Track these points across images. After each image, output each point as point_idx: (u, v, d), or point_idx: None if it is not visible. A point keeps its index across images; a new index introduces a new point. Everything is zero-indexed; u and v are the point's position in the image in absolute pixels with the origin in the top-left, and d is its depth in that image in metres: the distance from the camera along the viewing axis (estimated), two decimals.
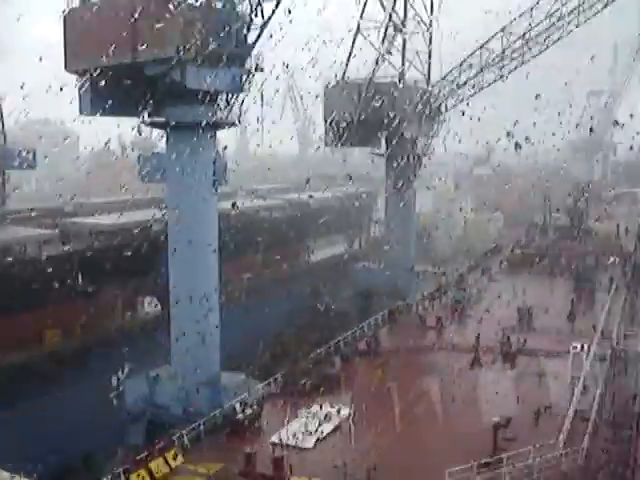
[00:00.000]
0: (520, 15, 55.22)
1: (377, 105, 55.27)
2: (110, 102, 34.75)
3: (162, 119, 37.88)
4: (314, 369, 36.10)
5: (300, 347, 44.74)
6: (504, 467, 23.10)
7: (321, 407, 30.70)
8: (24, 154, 79.96)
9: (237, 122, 39.44)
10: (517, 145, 29.17)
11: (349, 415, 28.93)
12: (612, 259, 56.35)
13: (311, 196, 77.77)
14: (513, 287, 48.01)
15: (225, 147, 40.12)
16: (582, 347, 32.34)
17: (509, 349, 38.99)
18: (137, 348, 42.17)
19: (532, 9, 54.65)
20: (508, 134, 28.53)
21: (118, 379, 41.61)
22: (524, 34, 55.57)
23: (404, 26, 60.16)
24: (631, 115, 34.45)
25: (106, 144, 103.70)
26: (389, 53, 60.03)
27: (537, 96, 29.53)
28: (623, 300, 48.49)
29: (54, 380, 43.25)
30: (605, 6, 53.68)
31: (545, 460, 23.47)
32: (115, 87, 33.76)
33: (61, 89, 27.81)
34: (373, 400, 30.31)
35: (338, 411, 29.91)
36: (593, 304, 49.77)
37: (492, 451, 24.84)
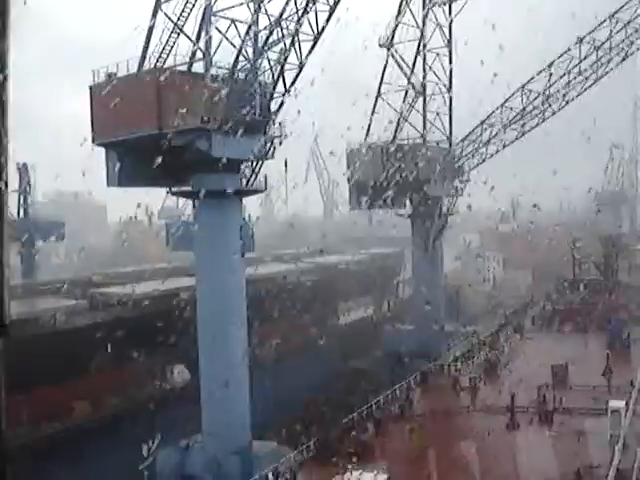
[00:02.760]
0: (539, 72, 55.89)
1: (401, 166, 55.65)
2: (137, 173, 35.36)
3: (189, 188, 38.41)
4: (347, 435, 35.50)
5: (332, 412, 44.11)
6: None
7: (356, 474, 30.06)
8: (54, 226, 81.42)
9: (263, 189, 39.88)
10: (535, 206, 29.21)
11: None
12: None
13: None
14: (546, 344, 47.22)
15: (249, 216, 40.44)
16: (620, 404, 31.61)
17: (545, 409, 38.12)
18: (167, 417, 41.84)
19: (550, 65, 55.28)
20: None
21: (149, 449, 41.14)
22: (543, 91, 56.07)
23: (424, 88, 61.00)
24: None
25: (133, 217, 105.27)
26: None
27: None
28: None
29: (83, 452, 42.93)
30: (623, 59, 54.08)
31: None
32: (142, 158, 34.38)
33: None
34: (409, 466, 29.68)
35: (375, 478, 29.23)
36: (629, 359, 48.73)
37: None
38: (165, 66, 37.54)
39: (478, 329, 61.83)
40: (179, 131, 34.95)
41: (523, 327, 59.65)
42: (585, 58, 54.13)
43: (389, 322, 72.25)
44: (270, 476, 30.75)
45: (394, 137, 60.62)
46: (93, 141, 38.82)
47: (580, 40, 53.72)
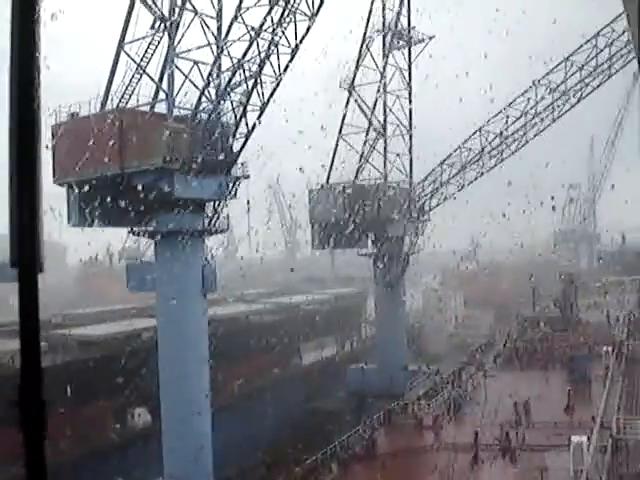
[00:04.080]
0: (496, 114, 57.13)
1: (362, 206, 56.17)
2: (99, 213, 35.22)
3: (150, 228, 38.28)
4: (311, 476, 35.20)
5: (295, 453, 43.74)
6: None
7: None
8: (8, 268, 79.84)
9: (225, 228, 39.93)
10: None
11: None
12: (605, 348, 55.97)
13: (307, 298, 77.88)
14: (508, 381, 47.52)
15: (212, 256, 40.35)
16: (582, 439, 31.89)
17: (509, 445, 38.27)
18: (128, 461, 41.10)
19: (506, 108, 56.56)
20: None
21: None
22: (501, 132, 57.28)
23: (384, 129, 61.89)
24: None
25: (93, 258, 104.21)
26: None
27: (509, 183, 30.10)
28: (620, 389, 48.00)
29: None
30: (578, 101, 55.51)
31: None
32: (103, 198, 34.27)
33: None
34: None
35: None
36: (590, 395, 49.19)
37: None
38: (128, 106, 37.69)
39: (441, 368, 61.97)
40: (141, 171, 34.97)
41: (485, 365, 59.94)
42: (541, 100, 55.50)
43: (352, 362, 72.05)
44: None
45: (355, 177, 61.22)
46: (54, 180, 38.61)
47: (535, 83, 55.13)
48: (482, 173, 60.14)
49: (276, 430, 57.82)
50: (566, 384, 50.19)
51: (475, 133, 58.06)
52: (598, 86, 54.40)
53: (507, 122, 57.12)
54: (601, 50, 52.35)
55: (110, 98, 38.27)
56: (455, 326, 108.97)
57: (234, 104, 36.64)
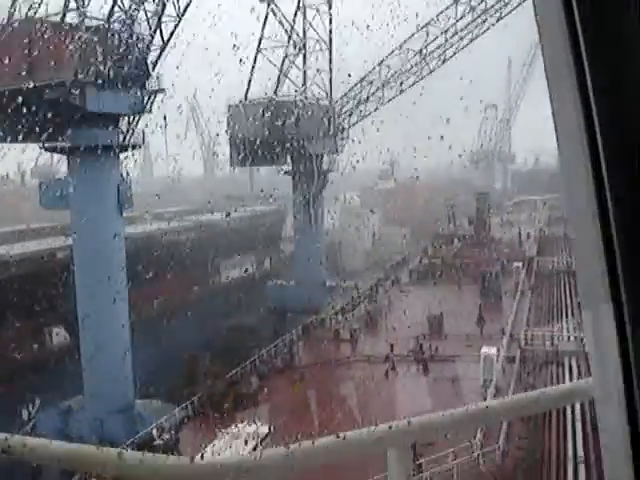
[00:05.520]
0: (416, 32, 56.90)
1: (280, 124, 55.64)
2: (9, 129, 33.90)
3: (63, 144, 37.13)
4: (231, 390, 35.80)
5: (216, 368, 44.28)
6: (424, 472, 23.42)
7: (239, 427, 30.45)
8: None
9: (140, 143, 39.06)
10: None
11: (268, 432, 28.80)
12: (516, 264, 58.01)
13: (229, 214, 77.65)
14: (423, 297, 48.94)
15: (127, 173, 39.55)
16: (492, 350, 33.40)
17: (422, 357, 39.68)
18: (47, 381, 40.88)
19: (427, 25, 56.37)
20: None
21: (29, 413, 40.19)
22: (420, 50, 57.20)
23: (304, 45, 60.95)
24: None
25: (4, 176, 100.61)
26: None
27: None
28: (528, 303, 50.09)
29: None
30: (498, 20, 55.76)
31: (464, 462, 23.96)
32: (14, 113, 32.94)
33: None
34: (291, 415, 30.27)
35: (256, 430, 29.72)
36: (501, 309, 51.14)
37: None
38: (37, 16, 35.92)
39: (358, 283, 63.20)
40: (52, 84, 33.66)
41: (401, 281, 61.41)
42: (461, 18, 55.47)
43: (271, 279, 72.72)
44: (154, 433, 30.72)
45: (274, 93, 60.42)
46: None
47: (456, 1, 54.99)
48: (401, 91, 60.18)
49: (196, 347, 58.23)
50: (478, 299, 51.98)
51: (395, 51, 57.83)
52: (517, 6, 54.60)
53: (427, 40, 57.02)
54: None
55: (18, 8, 36.39)
56: (373, 243, 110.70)
57: (149, 14, 35.38)
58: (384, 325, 47.79)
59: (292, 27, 60.15)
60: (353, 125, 62.70)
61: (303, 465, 2.91)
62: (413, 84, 59.91)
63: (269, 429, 29.10)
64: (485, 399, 30.22)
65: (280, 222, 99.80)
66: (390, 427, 2.90)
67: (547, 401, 3.67)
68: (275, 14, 59.51)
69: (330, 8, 61.15)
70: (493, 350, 34.47)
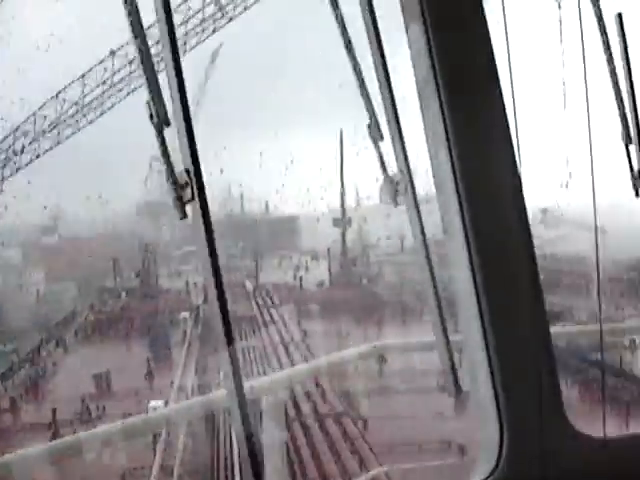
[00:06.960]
0: (73, 81, 55.35)
1: None
2: None
3: None
4: None
5: None
6: None
7: None
8: None
9: None
10: None
11: None
12: (183, 314, 58.52)
13: None
14: (89, 354, 47.41)
15: None
16: (159, 403, 33.26)
17: (89, 418, 38.28)
18: None
19: (84, 76, 55.14)
20: None
21: None
22: (77, 101, 55.80)
23: None
24: None
25: None
26: None
27: None
28: (196, 352, 50.81)
29: None
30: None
31: None
32: None
33: None
34: None
35: None
36: (170, 360, 51.15)
37: None
38: None
39: (20, 346, 59.23)
40: None
41: (65, 340, 58.95)
42: (119, 71, 55.12)
43: None
44: None
45: None
46: None
47: (113, 53, 54.61)
48: (59, 142, 58.03)
49: None
50: (146, 352, 51.56)
51: (49, 100, 55.72)
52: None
53: (84, 91, 55.79)
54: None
55: None
56: (37, 301, 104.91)
57: None
58: (47, 389, 45.36)
59: None
60: (7, 178, 58.96)
61: None
62: (72, 135, 58.11)
63: None
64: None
65: None
66: None
67: None
68: None
69: None
70: (160, 403, 34.42)
